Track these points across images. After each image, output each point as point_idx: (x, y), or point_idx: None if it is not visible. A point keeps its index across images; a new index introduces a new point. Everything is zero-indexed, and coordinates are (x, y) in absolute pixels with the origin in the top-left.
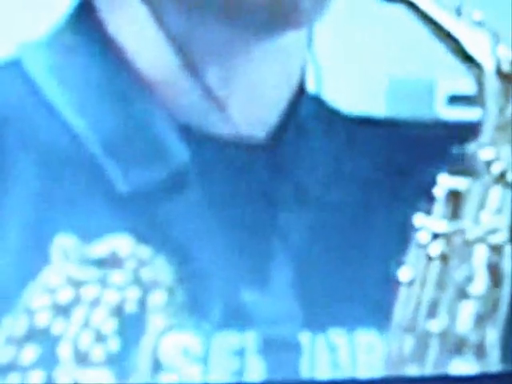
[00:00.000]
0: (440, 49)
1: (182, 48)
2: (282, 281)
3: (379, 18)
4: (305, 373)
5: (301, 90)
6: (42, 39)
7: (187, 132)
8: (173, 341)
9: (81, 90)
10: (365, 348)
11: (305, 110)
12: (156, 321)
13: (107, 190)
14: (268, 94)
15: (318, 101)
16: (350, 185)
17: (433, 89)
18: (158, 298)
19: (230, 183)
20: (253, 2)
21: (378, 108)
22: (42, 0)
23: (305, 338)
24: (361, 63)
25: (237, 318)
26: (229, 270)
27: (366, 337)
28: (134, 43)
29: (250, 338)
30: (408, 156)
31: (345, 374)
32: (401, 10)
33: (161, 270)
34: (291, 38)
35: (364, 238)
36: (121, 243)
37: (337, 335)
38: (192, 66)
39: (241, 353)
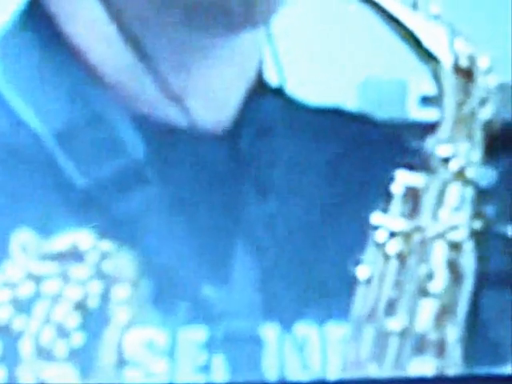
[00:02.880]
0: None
1: (136, 42)
2: (244, 275)
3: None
4: (268, 366)
5: (260, 84)
6: None
7: (143, 125)
8: (137, 335)
9: (35, 85)
10: (335, 342)
11: (266, 104)
12: (120, 315)
13: (65, 185)
14: (225, 89)
15: (280, 95)
16: (312, 179)
17: (406, 90)
18: (121, 291)
19: (189, 177)
20: (209, 3)
21: (348, 104)
22: None
23: (268, 331)
24: (331, 58)
25: (201, 313)
26: (192, 263)
27: (336, 330)
28: (86, 38)
29: (214, 333)
30: (369, 152)
31: (312, 368)
32: (358, 5)
33: (123, 263)
34: (248, 35)
35: (325, 232)
36: (81, 237)
37: (301, 328)
38: (147, 61)
39: (205, 347)
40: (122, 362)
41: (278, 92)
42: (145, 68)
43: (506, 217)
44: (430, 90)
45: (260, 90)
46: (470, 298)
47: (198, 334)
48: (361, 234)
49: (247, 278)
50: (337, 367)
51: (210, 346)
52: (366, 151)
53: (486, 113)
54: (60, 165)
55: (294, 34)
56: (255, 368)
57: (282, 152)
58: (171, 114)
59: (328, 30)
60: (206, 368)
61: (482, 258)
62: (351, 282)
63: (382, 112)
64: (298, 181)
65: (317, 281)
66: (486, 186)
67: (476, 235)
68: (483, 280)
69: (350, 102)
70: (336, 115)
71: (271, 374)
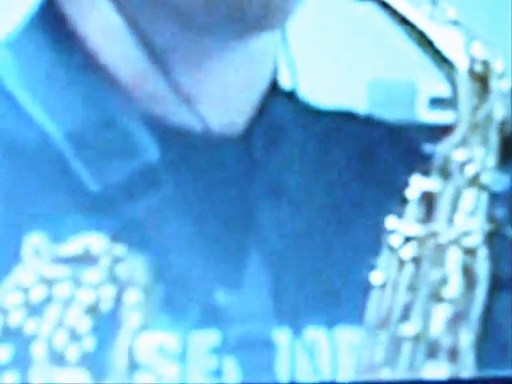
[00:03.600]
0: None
1: (150, 45)
2: (256, 279)
3: (357, 17)
4: (281, 371)
5: (274, 88)
6: (7, 39)
7: (157, 128)
8: (149, 339)
9: (48, 87)
10: (345, 347)
11: (279, 108)
12: (132, 319)
13: (77, 188)
14: (239, 92)
15: (293, 98)
16: (325, 183)
17: (415, 91)
18: (133, 296)
19: (202, 180)
20: (225, 6)
21: (358, 106)
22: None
23: (281, 336)
24: (340, 60)
25: (213, 317)
26: (204, 268)
27: (346, 335)
28: (100, 40)
29: (226, 337)
30: (383, 156)
31: (324, 373)
32: (371, 7)
33: (136, 267)
34: (263, 38)
35: (339, 236)
36: (94, 241)
37: (314, 333)
38: (161, 63)
39: (218, 352)
40: (133, 367)
41: (291, 96)
42: (158, 71)
43: None
44: (440, 91)
45: (273, 93)
46: (484, 303)
47: (209, 338)
48: (375, 238)
49: (259, 282)
50: (348, 371)
51: (222, 350)
52: (379, 155)
53: (500, 117)
54: (72, 168)
55: (307, 36)
56: (267, 372)
57: (295, 156)
58: (185, 117)
59: (340, 33)
60: (217, 372)
61: (493, 262)
62: (364, 287)
63: (391, 113)
64: (311, 185)
65: (329, 285)
66: (500, 192)
67: (489, 238)
68: (496, 284)
69: (360, 104)
70: (349, 119)
71: (283, 378)
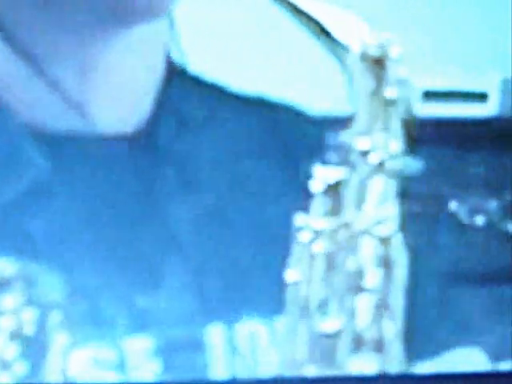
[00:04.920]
0: None
1: (23, 48)
2: (176, 279)
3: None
4: (217, 368)
5: (172, 74)
6: None
7: (45, 138)
8: (82, 355)
9: None
10: (271, 339)
11: (180, 94)
12: (59, 339)
13: None
14: (131, 85)
15: (197, 82)
16: (235, 175)
17: None
18: (55, 316)
19: (103, 185)
20: (106, 3)
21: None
22: None
23: (209, 333)
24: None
25: (141, 322)
26: (121, 274)
27: (271, 327)
28: None
29: (155, 342)
30: (289, 147)
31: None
32: None
33: (51, 287)
34: (149, 28)
35: (252, 229)
36: (2, 265)
37: (242, 327)
38: (37, 67)
39: (150, 356)
40: None
41: (196, 79)
42: (36, 75)
43: (508, 213)
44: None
45: (171, 80)
46: (405, 292)
47: (142, 343)
48: (285, 233)
49: (180, 281)
50: (275, 366)
51: (154, 354)
52: (286, 143)
53: (400, 102)
54: None
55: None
56: (201, 371)
57: (205, 145)
58: (73, 122)
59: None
60: (156, 375)
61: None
62: (280, 284)
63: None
64: (223, 176)
65: (247, 280)
66: (411, 177)
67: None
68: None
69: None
70: (260, 105)
71: (219, 375)
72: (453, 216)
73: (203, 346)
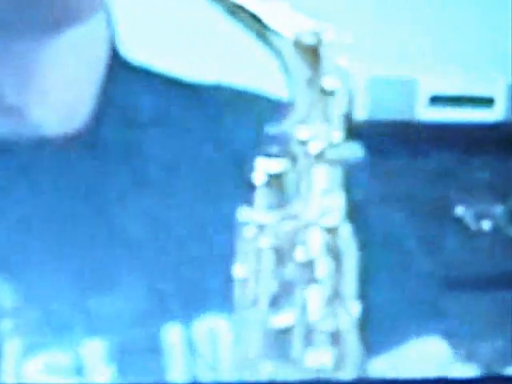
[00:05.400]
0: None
1: None
2: (131, 280)
3: None
4: (170, 370)
5: (117, 69)
6: None
7: None
8: (37, 362)
9: None
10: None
11: (126, 88)
12: (11, 348)
13: None
14: (72, 84)
15: (148, 74)
16: (187, 171)
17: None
18: (7, 324)
19: (49, 189)
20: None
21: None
22: None
23: (166, 334)
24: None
25: (96, 326)
26: (72, 278)
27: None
28: None
29: (111, 345)
30: (233, 137)
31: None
32: None
33: (2, 294)
34: (86, 26)
35: (201, 228)
36: None
37: (199, 325)
38: None
39: (106, 360)
40: None
41: (146, 72)
42: None
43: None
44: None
45: (124, 74)
46: (356, 280)
47: (96, 348)
48: (230, 229)
49: (132, 282)
50: (228, 366)
51: (110, 358)
52: (230, 137)
53: (336, 90)
54: None
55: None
56: (160, 373)
57: (155, 140)
58: (14, 126)
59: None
60: (113, 378)
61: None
62: (230, 280)
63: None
64: (171, 173)
65: (201, 277)
66: (355, 165)
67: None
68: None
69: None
70: (217, 92)
71: (177, 377)
72: (459, 221)
73: (161, 347)
